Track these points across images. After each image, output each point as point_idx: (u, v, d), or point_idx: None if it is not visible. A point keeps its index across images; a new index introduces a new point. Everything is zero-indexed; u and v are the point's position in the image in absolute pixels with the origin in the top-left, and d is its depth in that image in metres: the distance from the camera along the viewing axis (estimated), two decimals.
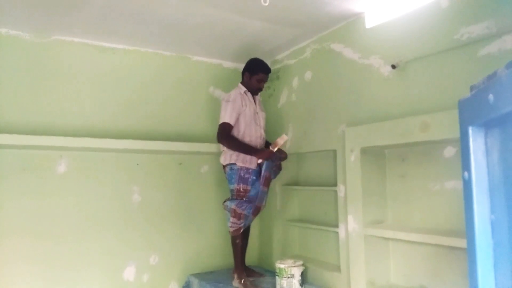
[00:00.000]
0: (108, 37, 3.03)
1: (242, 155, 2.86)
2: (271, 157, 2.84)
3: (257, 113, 3.01)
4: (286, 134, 2.95)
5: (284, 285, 2.69)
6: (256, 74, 2.98)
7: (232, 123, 2.85)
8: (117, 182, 3.08)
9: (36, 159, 2.80)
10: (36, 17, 2.62)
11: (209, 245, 3.44)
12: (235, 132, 2.89)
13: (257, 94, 3.10)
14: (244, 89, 3.00)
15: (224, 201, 2.94)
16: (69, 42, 2.99)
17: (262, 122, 3.05)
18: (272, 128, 3.35)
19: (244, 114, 2.91)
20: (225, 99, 2.94)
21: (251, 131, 2.93)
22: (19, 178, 2.75)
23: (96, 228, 2.97)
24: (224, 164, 2.95)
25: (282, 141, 2.80)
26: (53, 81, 2.92)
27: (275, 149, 2.80)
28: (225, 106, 2.89)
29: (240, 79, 3.11)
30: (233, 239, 2.91)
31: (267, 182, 2.85)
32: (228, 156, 2.90)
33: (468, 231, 0.92)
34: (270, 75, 3.10)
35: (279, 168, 3.02)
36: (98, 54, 3.10)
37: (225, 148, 2.94)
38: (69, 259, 2.86)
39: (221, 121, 2.87)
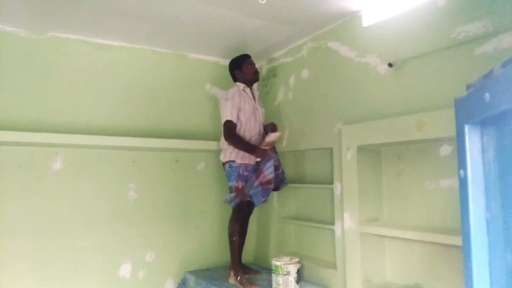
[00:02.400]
0: (104, 34, 3.01)
1: (242, 152, 2.86)
2: (264, 156, 2.82)
3: (256, 109, 3.01)
4: (280, 131, 2.99)
5: (280, 282, 2.70)
6: (243, 64, 2.99)
7: (234, 120, 2.85)
8: (113, 179, 3.08)
9: (31, 156, 2.79)
10: (32, 14, 2.60)
11: (206, 242, 3.44)
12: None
13: (257, 81, 3.09)
14: (242, 85, 3.00)
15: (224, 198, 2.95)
16: (65, 39, 2.97)
17: (261, 118, 3.05)
18: None
19: (243, 110, 2.90)
20: (224, 98, 2.93)
21: (250, 127, 2.93)
22: (15, 175, 2.73)
23: (92, 225, 2.96)
24: (223, 161, 2.95)
25: (270, 139, 2.82)
26: (49, 78, 2.90)
27: (267, 147, 2.82)
28: (225, 104, 2.88)
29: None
30: (230, 236, 2.91)
31: (265, 182, 2.78)
32: (228, 153, 2.90)
33: (464, 229, 0.92)
34: (267, 73, 3.10)
35: (282, 181, 2.99)
36: (94, 51, 3.08)
37: (225, 146, 2.94)
38: (64, 256, 2.85)
39: (223, 120, 2.87)
